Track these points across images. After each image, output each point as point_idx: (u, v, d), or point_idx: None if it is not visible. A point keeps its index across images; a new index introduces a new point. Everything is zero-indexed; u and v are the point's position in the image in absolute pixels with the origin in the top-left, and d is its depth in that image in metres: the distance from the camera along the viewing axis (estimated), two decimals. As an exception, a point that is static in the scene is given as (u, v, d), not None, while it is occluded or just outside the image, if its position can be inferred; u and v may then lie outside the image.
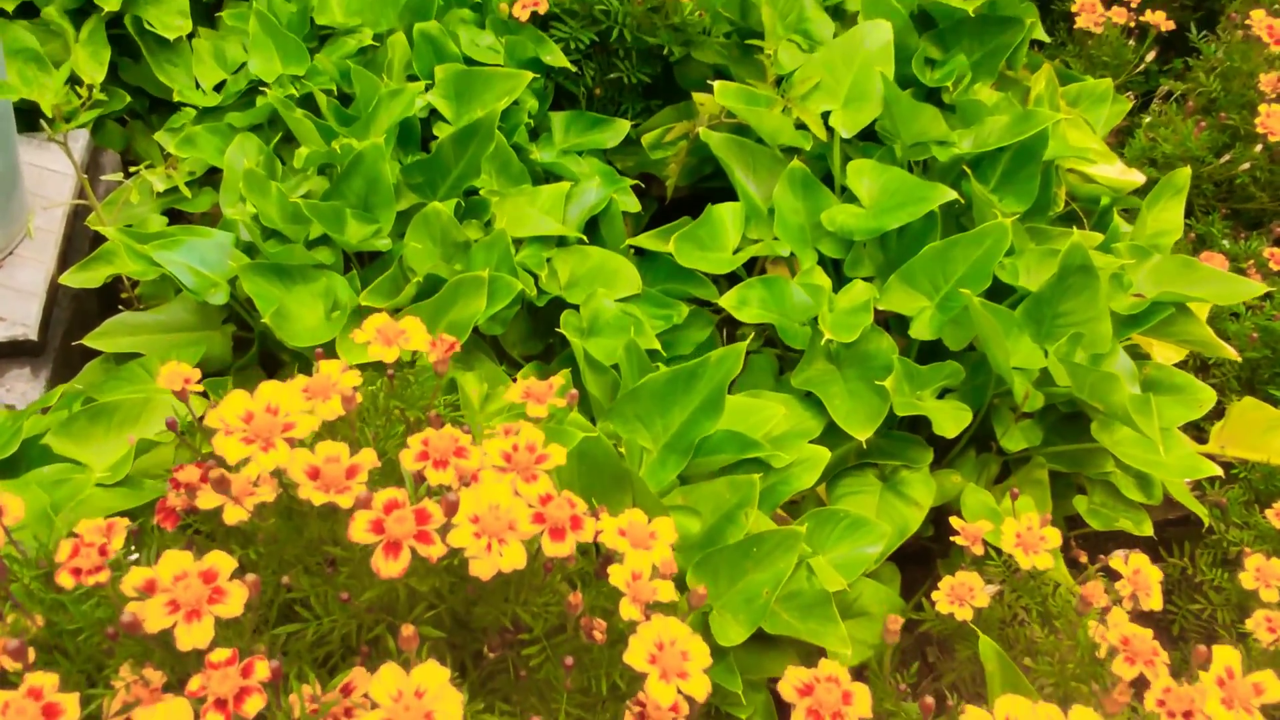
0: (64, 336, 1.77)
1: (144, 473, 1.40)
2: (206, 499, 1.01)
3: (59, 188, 1.92)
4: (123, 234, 1.62)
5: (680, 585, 1.27)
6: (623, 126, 2.07)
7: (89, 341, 1.64)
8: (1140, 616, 1.23)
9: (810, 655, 1.28)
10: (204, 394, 1.50)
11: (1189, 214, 2.29)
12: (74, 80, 1.90)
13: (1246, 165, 2.19)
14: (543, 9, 2.04)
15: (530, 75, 1.88)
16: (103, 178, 1.98)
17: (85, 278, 1.69)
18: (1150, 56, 2.41)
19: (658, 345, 1.61)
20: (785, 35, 2.01)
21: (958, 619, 1.32)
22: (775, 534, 1.29)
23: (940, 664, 1.59)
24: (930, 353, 1.73)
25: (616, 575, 0.97)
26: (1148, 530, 1.69)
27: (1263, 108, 2.13)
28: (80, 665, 0.95)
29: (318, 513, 0.97)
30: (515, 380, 1.62)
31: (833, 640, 1.28)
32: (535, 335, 1.76)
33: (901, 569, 1.64)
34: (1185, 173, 1.88)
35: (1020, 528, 1.37)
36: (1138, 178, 1.94)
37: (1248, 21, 2.22)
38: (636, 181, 1.95)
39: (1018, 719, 0.94)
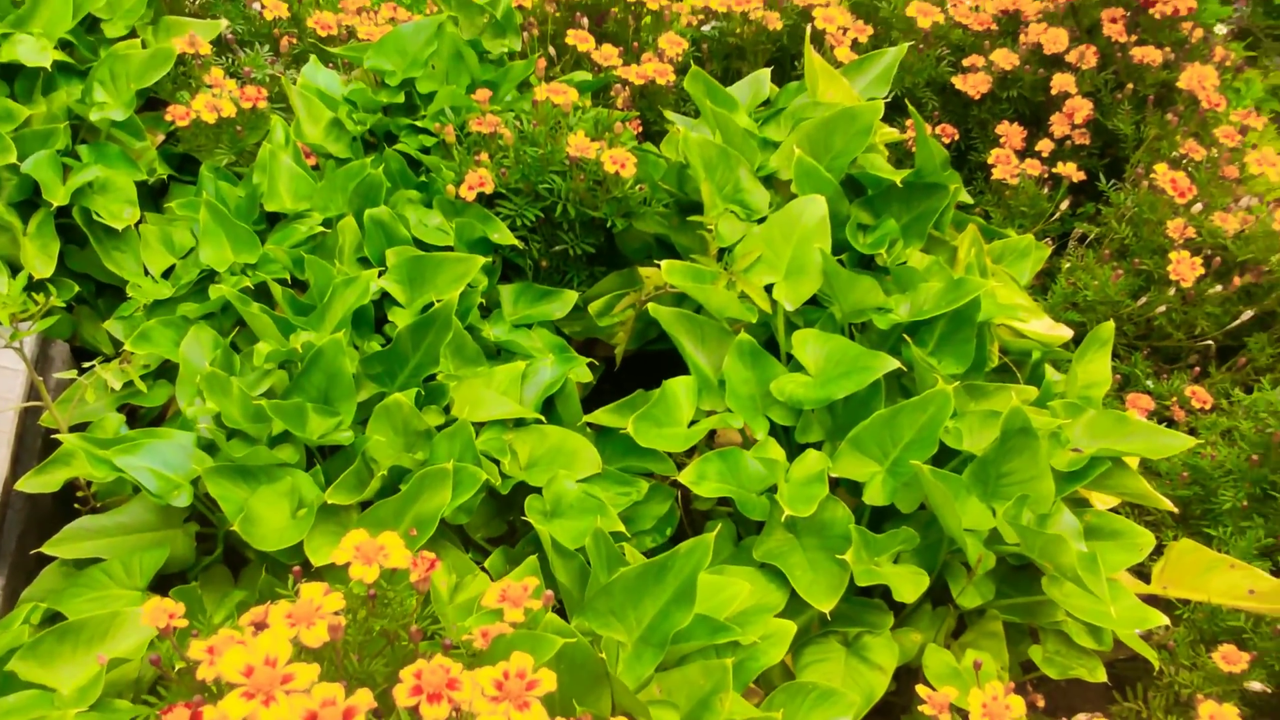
0: (19, 540, 1.75)
1: (115, 690, 1.39)
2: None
3: (9, 385, 1.91)
4: (82, 440, 1.62)
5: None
6: (570, 297, 2.13)
7: (48, 549, 1.63)
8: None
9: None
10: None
11: (1113, 355, 2.40)
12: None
13: (1162, 307, 2.31)
14: (489, 189, 2.11)
15: (481, 260, 1.94)
16: (55, 375, 1.98)
17: (42, 482, 1.68)
18: (1064, 205, 2.55)
19: (621, 527, 1.64)
20: (724, 206, 2.10)
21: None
22: (754, 723, 1.31)
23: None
24: (883, 513, 1.79)
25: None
26: (1101, 677, 1.75)
27: (1173, 254, 2.26)
28: None
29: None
30: (482, 568, 1.65)
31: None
32: (498, 517, 1.78)
33: (867, 726, 1.67)
34: (1109, 327, 1.98)
35: (986, 698, 1.40)
36: (1065, 332, 2.04)
37: (1152, 174, 2.36)
38: (591, 360, 2.00)
39: None
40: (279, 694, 0.93)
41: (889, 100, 2.36)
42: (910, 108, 2.21)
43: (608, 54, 2.56)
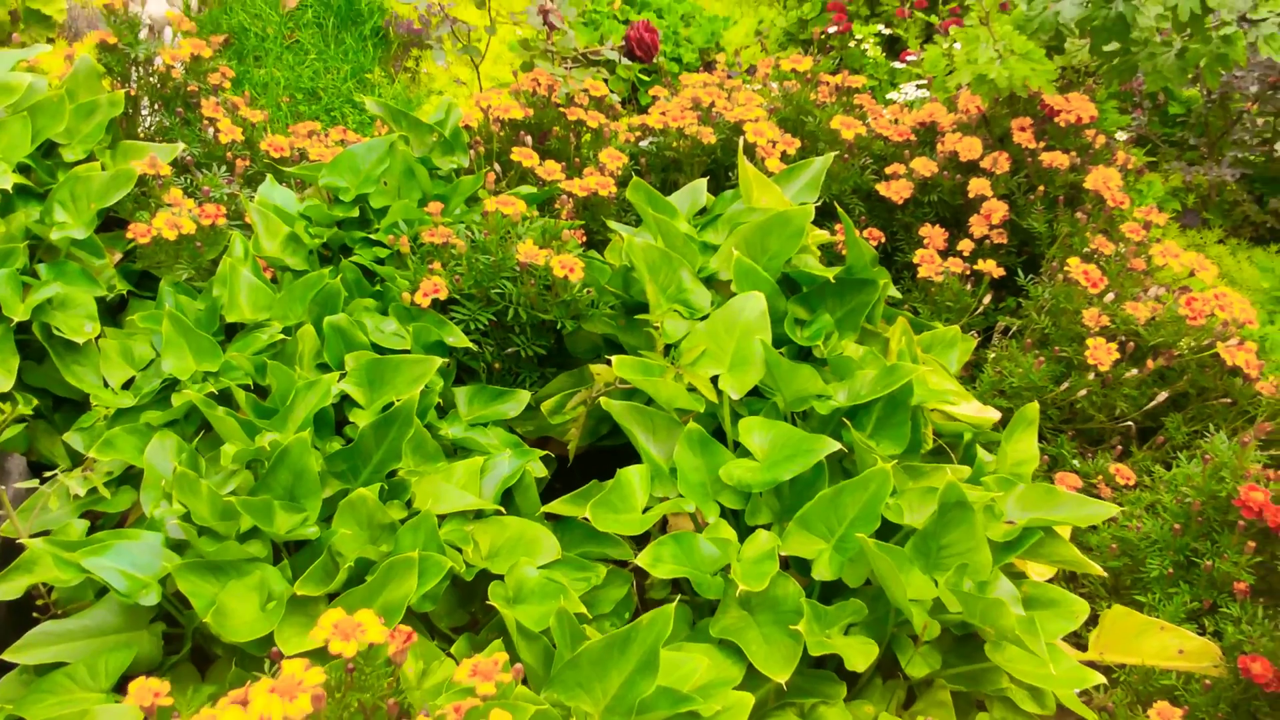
0: (-21, 648, 1.75)
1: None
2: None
3: (-29, 495, 1.94)
4: (48, 544, 1.66)
5: None
6: (523, 397, 2.22)
7: (10, 656, 1.64)
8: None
9: None
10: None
11: (1040, 438, 2.53)
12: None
13: (1083, 391, 2.45)
14: (443, 295, 2.21)
15: (438, 361, 2.02)
16: (15, 485, 2.00)
17: (4, 589, 1.70)
18: (987, 299, 2.70)
19: (583, 609, 1.70)
20: (668, 306, 2.21)
21: None
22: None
23: None
24: (832, 588, 1.86)
25: None
26: (1047, 742, 1.82)
27: (1090, 341, 2.40)
28: None
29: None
30: (448, 654, 1.69)
31: None
32: (461, 606, 1.83)
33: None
34: (1034, 407, 2.11)
35: (939, 757, 1.47)
36: (993, 414, 2.16)
37: (1066, 268, 2.52)
38: (546, 453, 2.08)
39: None
40: (273, 751, 0.97)
41: (819, 205, 2.51)
42: (840, 210, 2.36)
43: (551, 169, 2.70)
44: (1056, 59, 3.13)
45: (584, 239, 2.64)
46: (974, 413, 2.16)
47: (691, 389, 2.02)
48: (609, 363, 2.07)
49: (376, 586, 1.62)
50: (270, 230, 2.36)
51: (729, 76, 3.42)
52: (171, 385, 2.08)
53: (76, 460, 2.09)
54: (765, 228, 2.30)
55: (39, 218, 2.35)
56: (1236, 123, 3.45)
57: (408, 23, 4.42)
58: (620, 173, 2.74)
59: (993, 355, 2.60)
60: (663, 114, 2.88)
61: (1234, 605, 1.98)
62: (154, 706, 1.16)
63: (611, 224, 2.53)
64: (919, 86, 3.41)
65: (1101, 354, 2.38)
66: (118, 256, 2.46)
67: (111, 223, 2.54)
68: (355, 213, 2.46)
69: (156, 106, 2.83)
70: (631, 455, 2.02)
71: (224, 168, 2.65)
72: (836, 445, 1.87)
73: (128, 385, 2.18)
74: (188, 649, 1.72)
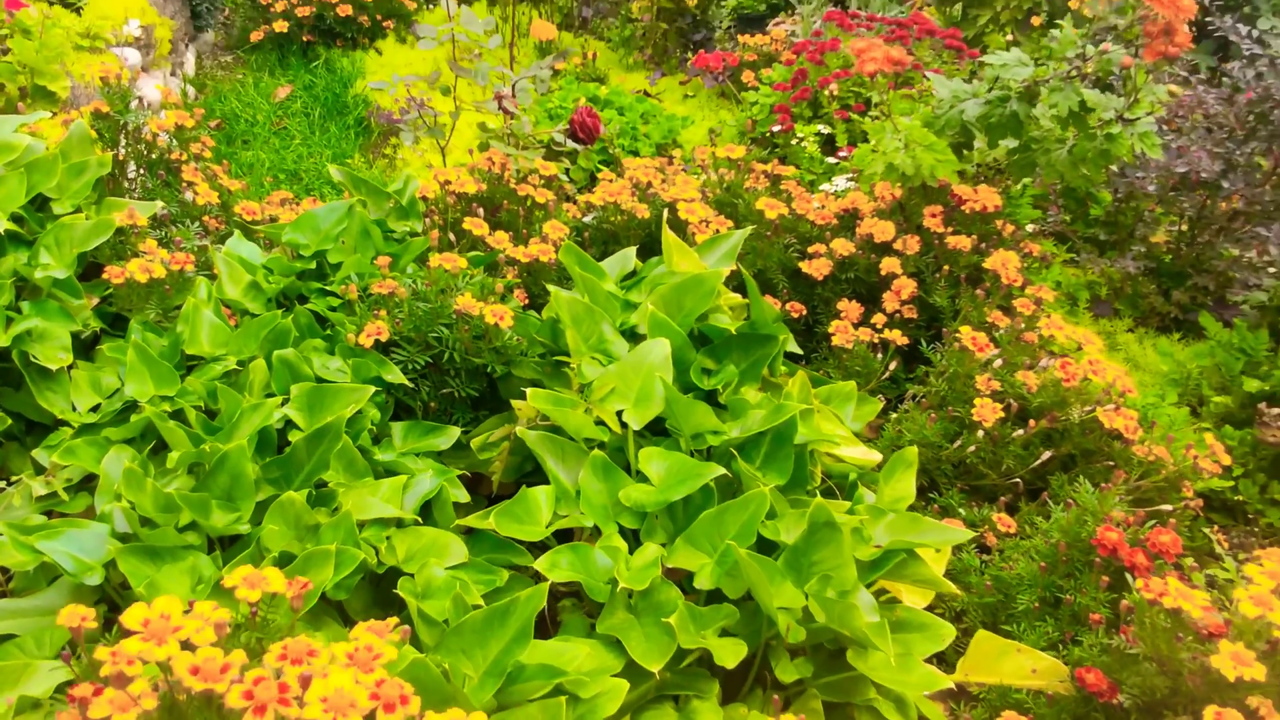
0: (-62, 626, 1.94)
1: (24, 728, 1.58)
2: (98, 709, 1.24)
3: (-58, 498, 2.14)
4: (7, 526, 1.86)
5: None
6: (453, 432, 2.43)
7: (-32, 626, 1.83)
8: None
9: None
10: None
11: (934, 489, 2.74)
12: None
13: (973, 448, 2.67)
14: (384, 337, 2.44)
15: (372, 389, 2.25)
16: (-6, 479, 2.21)
17: (-33, 570, 1.90)
18: (893, 366, 2.94)
19: (481, 602, 1.89)
20: (589, 354, 2.44)
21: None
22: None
23: None
24: (714, 599, 2.05)
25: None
26: (909, 751, 2.00)
27: (977, 400, 2.64)
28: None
29: (197, 704, 1.21)
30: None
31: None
32: (377, 605, 2.02)
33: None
34: (912, 451, 2.33)
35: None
36: (876, 456, 2.38)
37: (957, 336, 2.77)
38: (463, 472, 2.29)
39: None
40: (170, 639, 1.17)
41: (743, 274, 2.76)
42: (744, 273, 2.61)
43: (500, 238, 2.96)
44: (978, 154, 3.44)
45: (526, 300, 2.89)
46: (859, 455, 2.38)
47: (600, 422, 2.24)
48: (535, 408, 2.29)
49: (296, 572, 1.82)
50: (234, 277, 2.61)
51: (683, 169, 3.72)
52: (132, 407, 2.30)
53: (43, 474, 2.29)
54: (682, 288, 2.55)
55: (26, 260, 2.59)
56: (1140, 221, 3.73)
57: (388, 114, 4.75)
58: (562, 242, 2.99)
59: (895, 416, 2.83)
60: (606, 193, 3.16)
61: (1090, 635, 2.17)
62: (81, 628, 1.36)
63: (550, 286, 2.78)
64: (849, 179, 3.70)
65: (986, 412, 2.61)
66: (94, 300, 2.69)
67: (92, 272, 2.78)
68: (313, 265, 2.71)
69: (142, 170, 3.11)
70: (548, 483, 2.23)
71: (197, 224, 2.91)
72: (720, 470, 2.09)
73: (94, 410, 2.40)
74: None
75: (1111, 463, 2.70)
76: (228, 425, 2.15)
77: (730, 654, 1.89)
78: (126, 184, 3.10)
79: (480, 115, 3.51)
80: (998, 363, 2.76)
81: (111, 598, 1.93)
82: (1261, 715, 1.72)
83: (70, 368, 2.47)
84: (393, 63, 5.55)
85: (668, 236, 2.69)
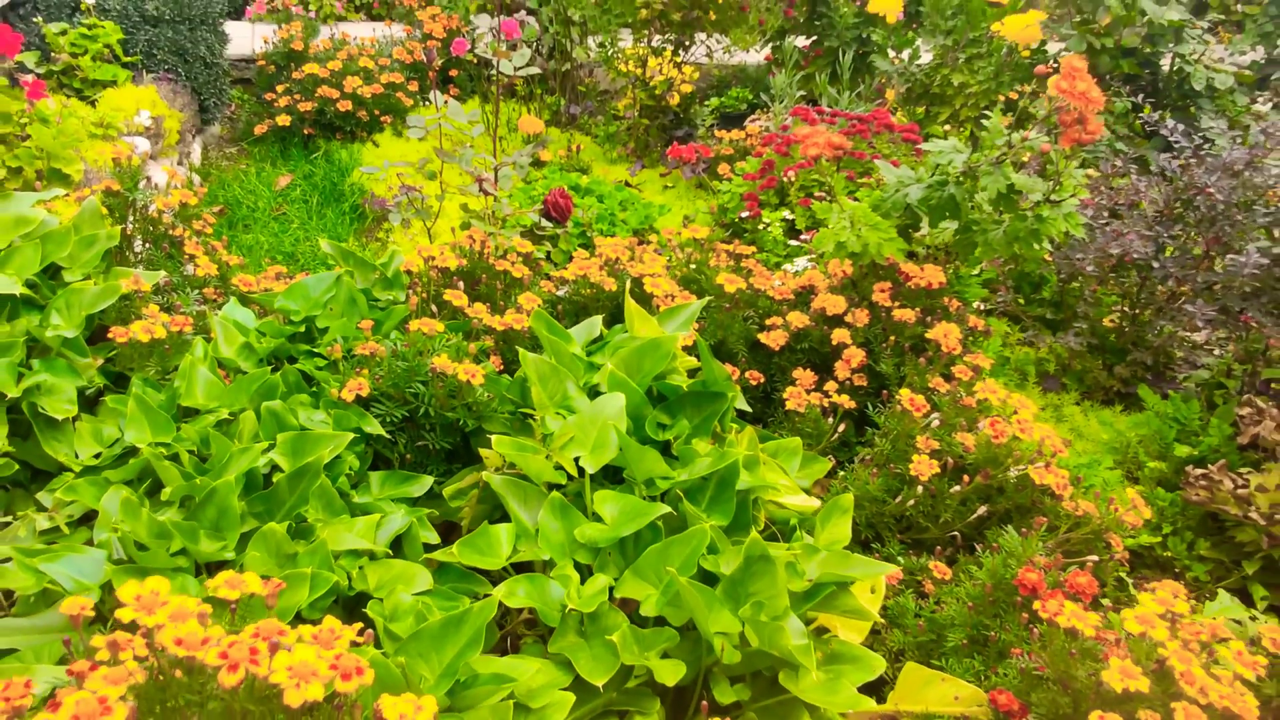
0: (-54, 646, 2.12)
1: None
2: (94, 682, 1.43)
3: (-47, 532, 2.34)
4: (14, 548, 2.05)
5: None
6: (427, 480, 2.63)
7: (-26, 640, 2.01)
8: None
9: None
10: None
11: (878, 541, 2.93)
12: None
13: (912, 502, 2.86)
14: (365, 392, 2.65)
15: (351, 435, 2.45)
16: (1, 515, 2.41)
17: (-24, 592, 2.09)
18: (842, 428, 3.15)
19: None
20: (553, 409, 2.65)
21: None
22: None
23: None
24: (659, 625, 2.23)
25: (390, 709, 1.41)
26: (841, 771, 2.16)
27: (915, 457, 2.84)
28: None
29: (181, 683, 1.40)
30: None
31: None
32: (349, 625, 2.19)
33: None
34: (848, 497, 2.53)
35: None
36: (815, 503, 2.58)
37: (898, 399, 2.99)
38: (432, 511, 2.48)
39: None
40: (159, 610, 1.37)
41: (712, 346, 2.99)
42: (697, 337, 2.84)
43: (479, 309, 3.19)
44: (929, 236, 3.69)
45: (501, 366, 3.11)
46: (801, 503, 2.58)
47: (559, 467, 2.44)
48: (500, 453, 2.50)
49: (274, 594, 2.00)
50: (229, 338, 2.83)
51: (656, 251, 3.97)
52: (131, 452, 2.51)
53: (45, 512, 2.49)
54: (641, 350, 2.77)
55: (39, 322, 2.82)
56: (1082, 300, 3.98)
57: (381, 200, 5.03)
58: (535, 312, 3.23)
59: (842, 474, 3.03)
60: (578, 267, 3.41)
61: (1011, 670, 2.34)
62: (80, 617, 1.55)
63: (521, 351, 3.00)
64: (809, 260, 3.96)
65: (923, 467, 2.82)
66: (99, 361, 2.91)
67: (98, 336, 3.01)
68: (303, 329, 2.94)
69: (147, 244, 3.36)
70: (513, 529, 2.42)
71: (197, 293, 3.15)
72: (667, 509, 2.28)
73: (96, 458, 2.60)
74: (117, 641, 2.08)
75: (1044, 518, 2.89)
76: (217, 466, 2.35)
77: (670, 673, 2.06)
78: (132, 257, 3.34)
79: (464, 198, 3.77)
80: (936, 423, 2.97)
81: (107, 619, 2.11)
82: (1145, 723, 1.89)
83: (75, 420, 2.68)
84: (388, 154, 5.87)
85: (630, 304, 2.92)
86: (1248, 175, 3.48)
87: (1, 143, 3.64)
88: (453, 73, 6.86)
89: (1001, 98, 5.23)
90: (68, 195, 3.67)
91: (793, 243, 4.28)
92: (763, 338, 3.35)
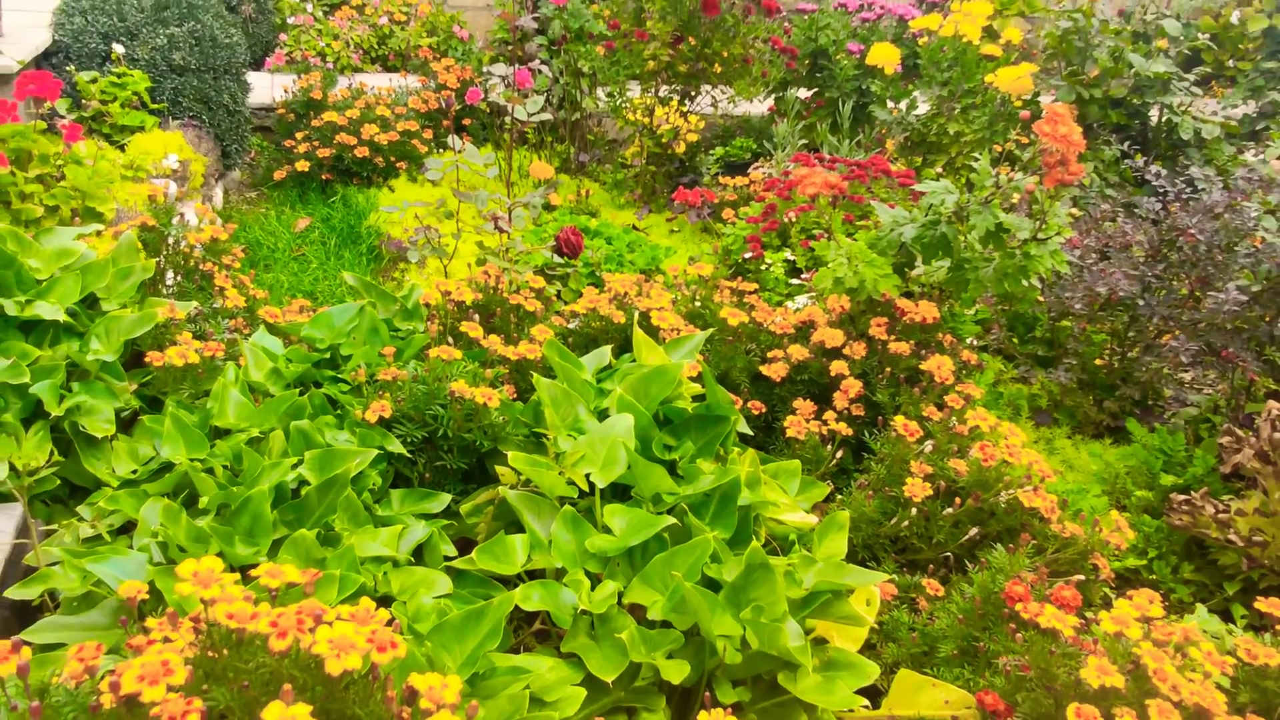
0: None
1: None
2: (150, 654, 1.57)
3: (5, 525, 2.49)
4: (62, 549, 2.20)
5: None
6: (444, 498, 2.78)
7: (26, 636, 2.15)
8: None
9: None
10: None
11: (874, 560, 3.06)
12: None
13: (906, 523, 3.00)
14: (387, 414, 2.81)
15: (375, 451, 2.61)
16: (45, 526, 2.55)
17: (26, 591, 2.23)
18: (840, 455, 3.29)
19: (463, 622, 2.21)
20: (565, 430, 2.81)
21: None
22: None
23: None
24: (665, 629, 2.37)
25: (419, 682, 1.55)
26: (838, 769, 2.29)
27: (909, 480, 2.98)
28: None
29: (231, 642, 1.54)
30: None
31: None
32: (372, 631, 2.33)
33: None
34: (844, 514, 2.67)
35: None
36: (813, 520, 2.72)
37: (891, 425, 3.13)
38: (449, 522, 2.63)
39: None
40: (213, 584, 1.51)
41: (718, 376, 3.15)
42: (702, 364, 2.99)
43: (493, 341, 3.35)
44: (925, 274, 3.86)
45: (514, 394, 3.26)
46: (799, 520, 2.72)
47: (571, 483, 2.59)
48: (514, 469, 2.65)
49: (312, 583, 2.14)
50: (258, 363, 2.99)
51: (663, 288, 4.14)
52: (167, 468, 2.66)
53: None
54: (648, 377, 2.93)
55: (79, 348, 2.98)
56: (1072, 338, 4.14)
57: (397, 242, 5.22)
58: (548, 341, 3.39)
59: (840, 498, 3.17)
60: (588, 300, 3.57)
61: (999, 677, 2.47)
62: (135, 600, 1.69)
63: (535, 376, 3.16)
64: (809, 298, 4.12)
65: (916, 489, 2.96)
66: (134, 385, 3.07)
67: (132, 363, 3.17)
68: (327, 356, 3.10)
69: (179, 277, 3.53)
70: (527, 543, 2.57)
71: (226, 322, 3.31)
72: (672, 521, 2.43)
73: (133, 474, 2.75)
74: (157, 637, 2.22)
75: (1033, 540, 3.03)
76: (250, 479, 2.50)
77: (676, 672, 2.19)
78: (164, 289, 3.51)
79: (479, 237, 3.95)
80: (929, 449, 3.11)
81: (146, 615, 2.25)
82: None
83: (111, 439, 2.83)
84: (403, 198, 6.07)
85: (638, 334, 3.08)
86: (1227, 218, 3.65)
87: (40, 182, 3.83)
88: (466, 121, 7.09)
89: (999, 147, 5.42)
90: (101, 232, 3.85)
91: (794, 281, 4.45)
92: (764, 369, 3.50)
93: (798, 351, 3.52)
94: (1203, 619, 2.67)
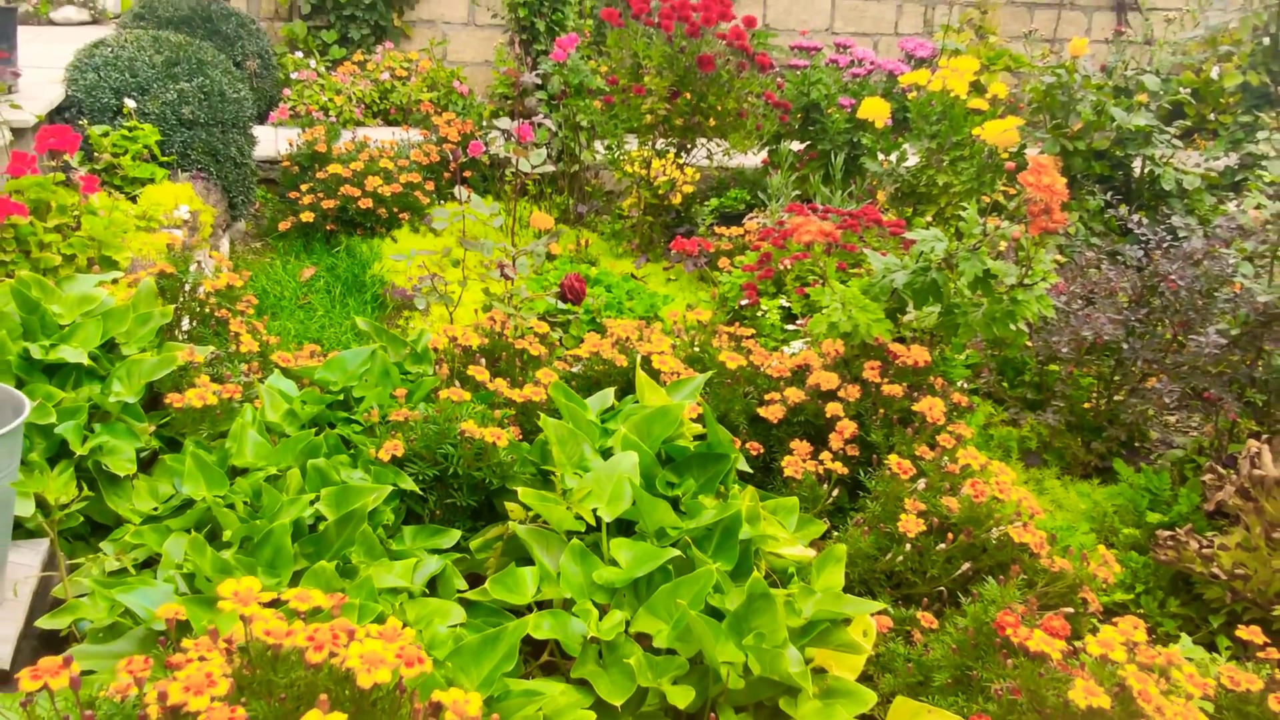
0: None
1: None
2: (188, 670, 1.66)
3: (32, 559, 2.58)
4: (92, 580, 2.29)
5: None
6: (455, 534, 2.88)
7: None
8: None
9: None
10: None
11: (869, 595, 3.16)
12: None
13: (900, 558, 3.10)
14: (400, 453, 2.91)
15: (389, 488, 2.71)
16: (67, 561, 2.64)
17: (56, 622, 2.32)
18: (836, 493, 3.40)
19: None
20: (571, 468, 2.91)
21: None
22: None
23: None
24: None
25: (444, 697, 1.65)
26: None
27: (903, 516, 3.09)
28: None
29: (269, 659, 1.64)
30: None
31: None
32: (388, 659, 2.42)
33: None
34: (841, 547, 2.78)
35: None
36: (811, 553, 2.82)
37: (885, 463, 3.24)
38: (461, 555, 2.72)
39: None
40: (252, 604, 1.61)
41: (719, 417, 3.26)
42: (703, 404, 3.11)
43: (499, 384, 3.47)
44: (916, 319, 3.99)
45: (520, 436, 3.37)
46: (798, 553, 2.82)
47: (579, 518, 2.69)
48: (524, 505, 2.75)
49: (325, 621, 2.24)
50: (274, 405, 3.10)
51: (665, 336, 4.27)
52: (188, 504, 2.76)
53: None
54: (651, 417, 3.04)
55: (100, 391, 3.09)
56: (1060, 381, 4.26)
57: (401, 290, 5.34)
58: (554, 383, 3.51)
59: (836, 534, 3.27)
60: (591, 344, 3.69)
61: (991, 703, 2.56)
62: (174, 621, 1.78)
63: (541, 417, 3.27)
64: (804, 343, 4.25)
65: (910, 525, 3.06)
66: (153, 427, 3.18)
67: (150, 406, 3.27)
68: (341, 398, 3.21)
69: (195, 323, 3.64)
70: (535, 578, 2.67)
71: (243, 364, 3.42)
72: (676, 553, 2.53)
73: (154, 511, 2.85)
74: (183, 664, 2.31)
75: (1024, 574, 3.13)
76: (269, 514, 2.60)
77: (681, 697, 2.29)
78: (180, 335, 3.63)
79: (484, 284, 4.07)
80: (922, 486, 3.22)
81: (171, 642, 2.34)
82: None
83: (132, 478, 2.93)
84: (407, 248, 6.21)
85: (641, 376, 3.20)
86: (1208, 265, 3.80)
87: (58, 231, 3.96)
88: (467, 173, 7.25)
89: (986, 197, 5.58)
90: (119, 279, 3.97)
91: (789, 327, 4.58)
92: (762, 411, 3.61)
93: (794, 394, 3.64)
94: (1187, 648, 2.77)
